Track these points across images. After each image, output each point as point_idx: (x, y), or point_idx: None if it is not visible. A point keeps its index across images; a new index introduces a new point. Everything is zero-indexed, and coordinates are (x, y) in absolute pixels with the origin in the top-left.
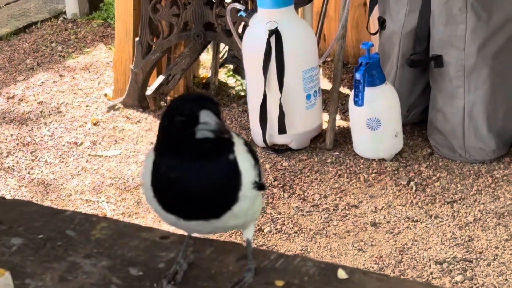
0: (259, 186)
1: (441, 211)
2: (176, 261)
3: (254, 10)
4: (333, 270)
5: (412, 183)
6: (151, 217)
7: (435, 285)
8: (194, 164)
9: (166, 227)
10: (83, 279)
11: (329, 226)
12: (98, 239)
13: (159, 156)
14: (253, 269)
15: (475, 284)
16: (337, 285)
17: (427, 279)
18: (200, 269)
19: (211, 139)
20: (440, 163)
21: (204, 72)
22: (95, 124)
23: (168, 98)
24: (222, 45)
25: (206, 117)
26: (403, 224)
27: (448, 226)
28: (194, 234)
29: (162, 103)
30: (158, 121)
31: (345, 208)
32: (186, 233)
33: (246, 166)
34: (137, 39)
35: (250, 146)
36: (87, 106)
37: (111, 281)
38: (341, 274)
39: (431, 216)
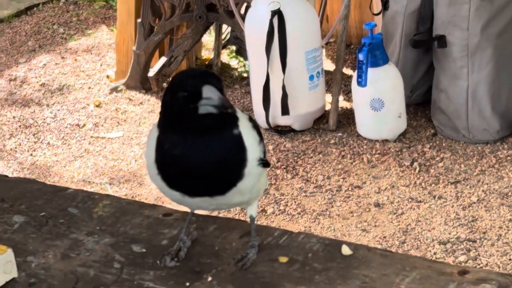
0: (264, 163)
1: (445, 192)
2: (179, 238)
3: None
4: (337, 246)
5: (415, 163)
6: (154, 198)
7: (439, 261)
8: (198, 140)
9: (169, 205)
10: (85, 256)
11: (332, 207)
12: (100, 217)
13: (162, 132)
14: (256, 245)
15: (479, 264)
16: (341, 261)
17: (430, 260)
18: (203, 246)
19: (214, 115)
20: (444, 144)
21: (207, 53)
22: (97, 106)
23: (171, 79)
24: (224, 26)
25: (209, 92)
26: (406, 205)
27: (452, 207)
28: (197, 211)
29: (165, 84)
30: (161, 103)
31: (348, 189)
32: (189, 210)
33: (251, 142)
34: (139, 20)
35: (254, 122)
36: (89, 88)
37: (113, 258)
38: (345, 250)
39: (434, 197)
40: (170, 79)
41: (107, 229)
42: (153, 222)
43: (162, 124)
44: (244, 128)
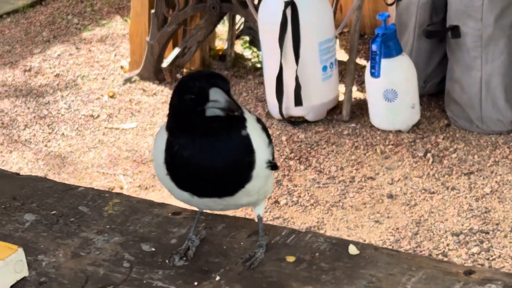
0: (272, 165)
1: (458, 183)
2: (188, 237)
3: None
4: (345, 245)
5: (429, 154)
6: (167, 190)
7: (446, 260)
8: (206, 141)
9: (178, 203)
10: (95, 255)
11: (345, 198)
12: (110, 215)
13: (171, 134)
14: (264, 245)
15: (492, 256)
16: (348, 261)
17: (443, 251)
18: (211, 245)
19: (222, 117)
20: (457, 135)
21: (220, 44)
22: (111, 97)
23: (185, 70)
24: (238, 17)
25: (216, 94)
26: (419, 196)
27: (465, 198)
28: (206, 210)
29: (178, 75)
30: (168, 105)
31: (361, 180)
32: (197, 209)
33: (259, 143)
34: (152, 11)
35: (263, 124)
36: (103, 78)
37: (123, 257)
38: (352, 249)
39: (448, 188)
40: (184, 71)
41: (116, 228)
42: (162, 221)
43: (171, 126)
44: (253, 130)
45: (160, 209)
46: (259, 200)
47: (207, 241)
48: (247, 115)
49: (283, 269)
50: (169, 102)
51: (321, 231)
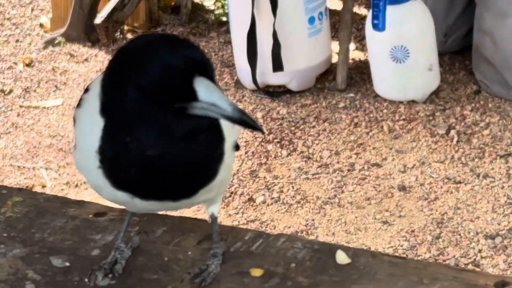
0: (235, 146)
1: (492, 168)
2: (115, 246)
3: None
4: (330, 252)
5: (452, 132)
6: (89, 184)
7: (470, 269)
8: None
9: (103, 201)
10: None
11: (342, 192)
12: (9, 219)
13: (111, 117)
14: (220, 254)
15: None
16: (336, 273)
17: (474, 259)
18: (148, 256)
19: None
20: (490, 104)
21: None
22: (28, 65)
23: (125, 27)
24: None
25: (210, 93)
26: (441, 187)
27: (502, 188)
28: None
29: (117, 34)
30: (105, 84)
31: (363, 168)
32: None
33: (226, 124)
34: None
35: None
36: (17, 41)
37: (26, 275)
38: (341, 257)
39: (478, 175)
40: (125, 28)
41: (17, 236)
42: (80, 225)
43: (111, 108)
44: None
45: (77, 208)
46: (217, 195)
47: (142, 251)
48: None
49: (246, 287)
50: (107, 72)
51: (311, 237)
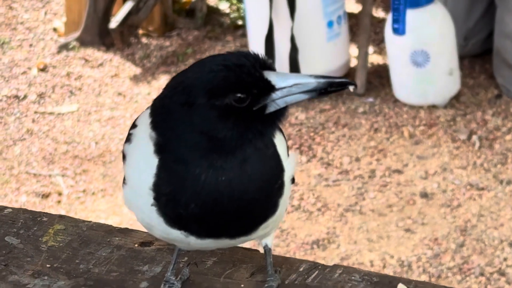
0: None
1: None
2: (164, 279)
3: None
4: (391, 285)
5: (474, 137)
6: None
7: None
8: (246, 159)
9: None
10: None
11: (363, 199)
12: (51, 249)
13: (167, 151)
14: (275, 287)
15: None
16: None
17: (500, 268)
18: None
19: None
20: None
21: None
22: (42, 70)
23: (140, 32)
24: None
25: (283, 78)
26: (464, 194)
27: None
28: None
29: (132, 39)
30: (160, 111)
31: (384, 174)
32: None
33: (283, 154)
34: None
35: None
36: (30, 45)
37: None
38: None
39: (501, 182)
40: (140, 32)
41: (61, 267)
42: (126, 255)
43: (171, 141)
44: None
45: (122, 237)
46: (272, 228)
47: (193, 284)
48: None
49: None
50: (159, 104)
51: (332, 246)
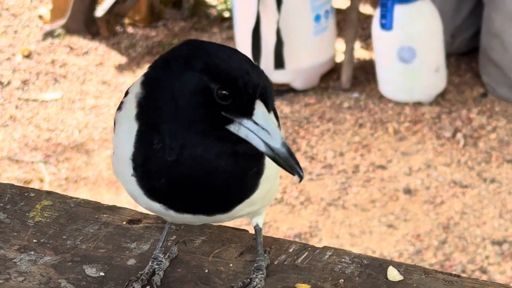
0: None
1: (499, 173)
2: (152, 256)
3: None
4: (381, 268)
5: (459, 135)
6: (105, 183)
7: None
8: (213, 141)
9: (136, 206)
10: (18, 282)
11: (347, 194)
12: (38, 224)
13: (146, 124)
14: (264, 267)
15: None
16: None
17: (481, 266)
18: (187, 268)
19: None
20: (497, 108)
21: None
22: (26, 57)
23: (126, 21)
24: None
25: (267, 120)
26: (447, 191)
27: (509, 194)
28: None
29: (118, 28)
30: (149, 78)
31: (368, 169)
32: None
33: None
34: None
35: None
36: (15, 32)
37: (59, 285)
38: (393, 274)
39: (485, 180)
40: (126, 21)
41: (48, 243)
42: (114, 233)
43: (152, 115)
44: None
45: (110, 214)
46: (262, 207)
47: (181, 262)
48: None
49: None
50: (152, 73)
51: (315, 240)
